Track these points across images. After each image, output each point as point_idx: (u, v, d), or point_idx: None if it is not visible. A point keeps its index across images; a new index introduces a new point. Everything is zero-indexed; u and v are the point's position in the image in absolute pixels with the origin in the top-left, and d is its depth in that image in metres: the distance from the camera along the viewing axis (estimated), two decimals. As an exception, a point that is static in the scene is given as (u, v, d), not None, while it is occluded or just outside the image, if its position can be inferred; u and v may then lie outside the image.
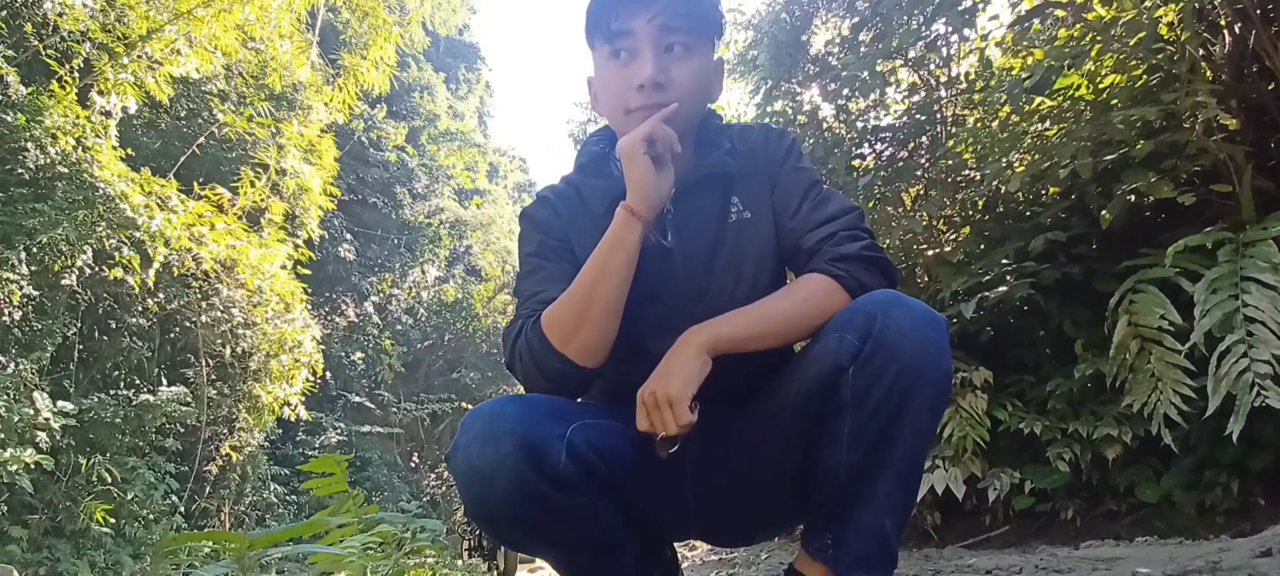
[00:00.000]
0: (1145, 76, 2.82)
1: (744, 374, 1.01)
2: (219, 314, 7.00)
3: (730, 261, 1.05)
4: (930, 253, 3.73)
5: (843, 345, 0.90)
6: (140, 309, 6.54)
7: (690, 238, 1.05)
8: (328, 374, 9.77)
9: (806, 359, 0.96)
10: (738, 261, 1.05)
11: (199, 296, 6.84)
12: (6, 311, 4.99)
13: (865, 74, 4.00)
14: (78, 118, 5.48)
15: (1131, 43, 2.63)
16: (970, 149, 3.44)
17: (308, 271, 7.91)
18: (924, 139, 4.13)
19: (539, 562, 3.78)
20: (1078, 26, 2.86)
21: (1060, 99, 3.03)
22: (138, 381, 6.61)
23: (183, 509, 6.43)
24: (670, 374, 0.93)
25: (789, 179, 1.07)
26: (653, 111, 0.99)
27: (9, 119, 5.14)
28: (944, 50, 4.09)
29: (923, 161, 4.02)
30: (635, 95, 1.00)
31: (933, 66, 4.16)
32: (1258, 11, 2.49)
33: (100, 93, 5.93)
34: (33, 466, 4.75)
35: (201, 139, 7.71)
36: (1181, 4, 2.50)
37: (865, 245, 1.00)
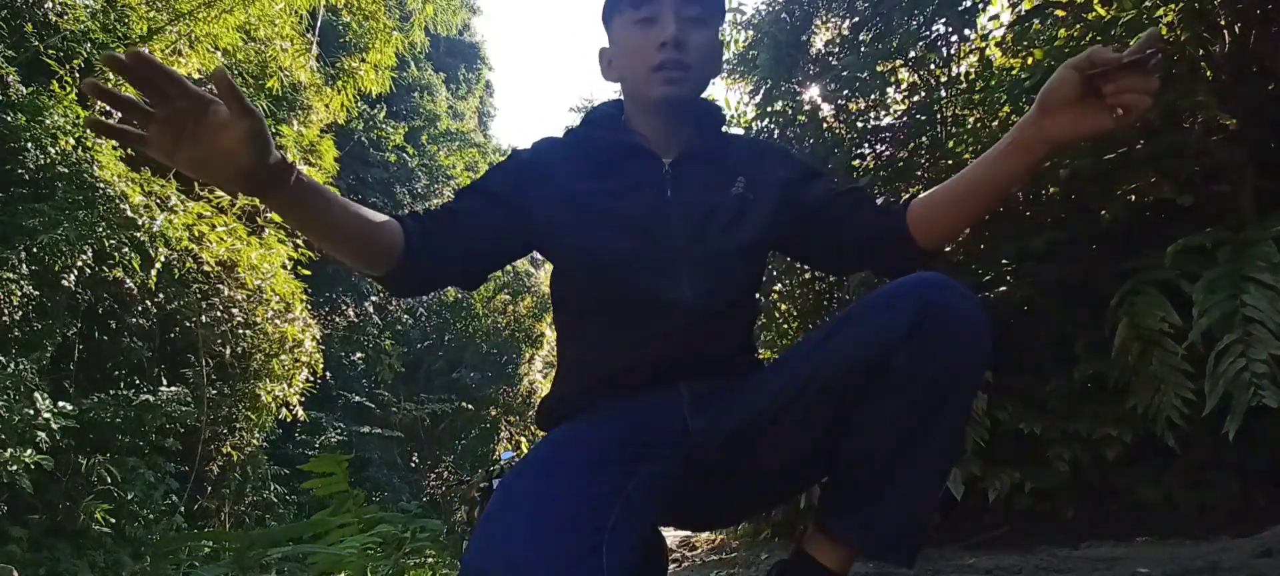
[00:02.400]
0: (1145, 76, 2.82)
1: (731, 343, 1.10)
2: (219, 314, 7.00)
3: (730, 219, 1.10)
4: (930, 253, 3.73)
5: (893, 323, 0.90)
6: (140, 309, 6.54)
7: (690, 194, 1.11)
8: (328, 374, 9.76)
9: (846, 336, 0.95)
10: (737, 222, 1.10)
11: (199, 296, 6.84)
12: (6, 311, 4.99)
13: (865, 74, 4.00)
14: (78, 117, 5.48)
15: (1131, 43, 2.63)
16: (970, 149, 3.44)
17: (308, 271, 7.91)
18: (924, 139, 4.13)
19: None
20: (1078, 26, 2.86)
21: (1060, 99, 3.03)
22: (138, 381, 6.60)
23: (183, 509, 6.43)
24: None
25: (825, 177, 1.18)
26: (674, 69, 1.08)
27: (9, 119, 5.14)
28: (944, 50, 4.08)
29: (923, 161, 4.01)
30: (658, 53, 1.08)
31: (933, 66, 4.16)
32: (1258, 11, 2.49)
33: (100, 93, 5.93)
34: (33, 466, 4.75)
35: (201, 139, 7.70)
36: (1181, 4, 2.50)
37: None
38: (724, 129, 1.23)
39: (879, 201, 1.11)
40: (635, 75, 1.12)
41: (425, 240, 1.00)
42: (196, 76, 6.91)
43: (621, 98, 1.22)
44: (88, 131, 5.52)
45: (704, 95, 1.19)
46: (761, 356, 1.22)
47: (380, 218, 0.97)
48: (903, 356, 0.89)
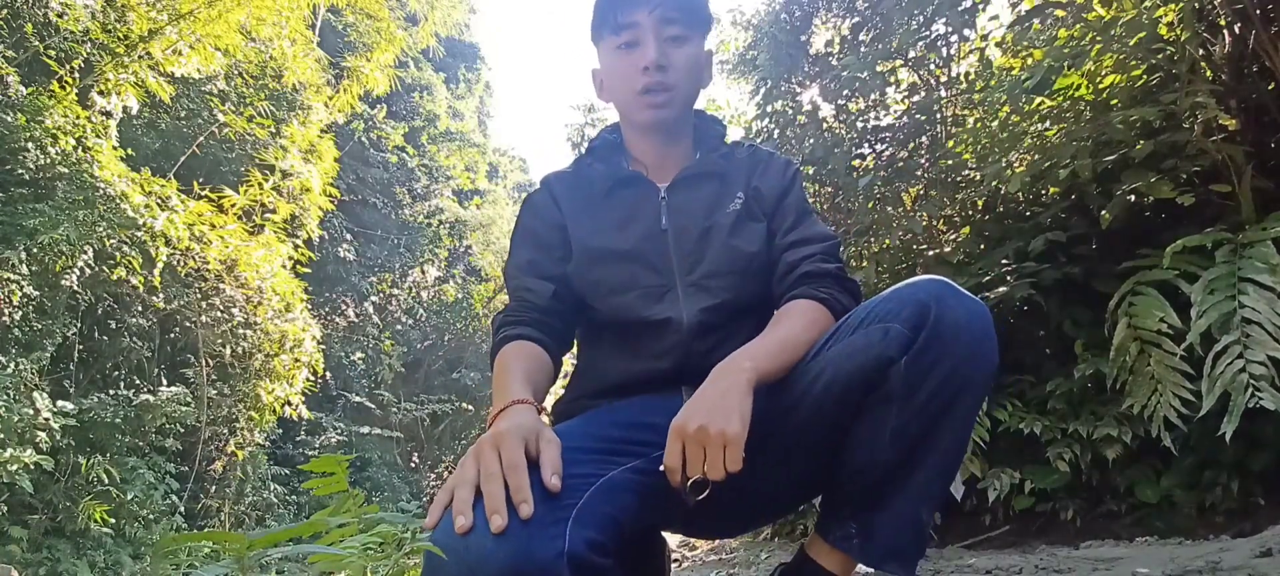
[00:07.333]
0: (1145, 76, 2.82)
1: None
2: (219, 314, 7.00)
3: (725, 243, 1.12)
4: (930, 253, 3.73)
5: (890, 336, 0.88)
6: (140, 309, 6.54)
7: (684, 221, 1.14)
8: (328, 374, 9.77)
9: (842, 350, 0.93)
10: (732, 244, 1.12)
11: (199, 296, 6.84)
12: (6, 311, 4.99)
13: (865, 74, 4.00)
14: (78, 118, 5.47)
15: (1131, 43, 2.63)
16: (970, 149, 3.43)
17: (308, 271, 7.91)
18: (924, 139, 4.13)
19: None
20: (1078, 26, 2.86)
21: (1060, 99, 3.03)
22: (138, 381, 6.60)
23: (183, 509, 6.43)
24: (727, 411, 0.85)
25: (789, 203, 1.17)
26: (658, 91, 1.12)
27: (9, 119, 5.14)
28: (944, 50, 4.08)
29: (923, 161, 4.01)
30: (641, 77, 1.12)
31: (933, 66, 4.16)
32: (1258, 11, 2.49)
33: (101, 93, 5.93)
34: (33, 466, 4.75)
35: (201, 139, 7.71)
36: (1181, 4, 2.50)
37: (839, 268, 1.10)
38: (727, 139, 1.25)
39: (804, 269, 1.08)
40: (623, 100, 1.18)
41: (560, 343, 1.14)
42: (196, 76, 6.91)
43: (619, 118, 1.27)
44: (87, 131, 5.52)
45: (702, 96, 1.21)
46: None
47: (541, 359, 1.07)
48: (900, 370, 0.87)
